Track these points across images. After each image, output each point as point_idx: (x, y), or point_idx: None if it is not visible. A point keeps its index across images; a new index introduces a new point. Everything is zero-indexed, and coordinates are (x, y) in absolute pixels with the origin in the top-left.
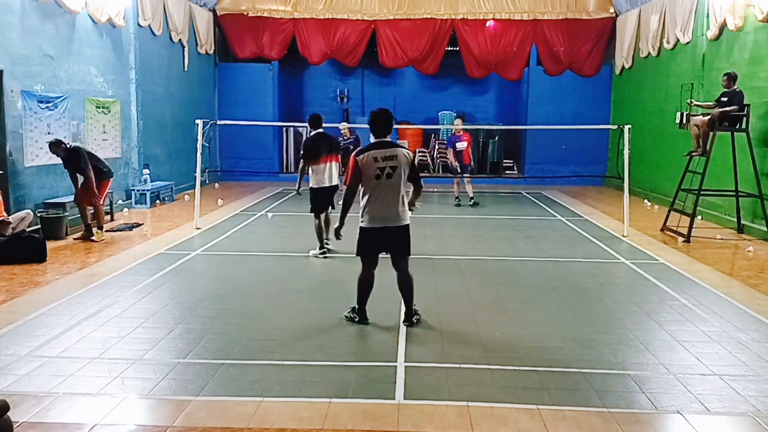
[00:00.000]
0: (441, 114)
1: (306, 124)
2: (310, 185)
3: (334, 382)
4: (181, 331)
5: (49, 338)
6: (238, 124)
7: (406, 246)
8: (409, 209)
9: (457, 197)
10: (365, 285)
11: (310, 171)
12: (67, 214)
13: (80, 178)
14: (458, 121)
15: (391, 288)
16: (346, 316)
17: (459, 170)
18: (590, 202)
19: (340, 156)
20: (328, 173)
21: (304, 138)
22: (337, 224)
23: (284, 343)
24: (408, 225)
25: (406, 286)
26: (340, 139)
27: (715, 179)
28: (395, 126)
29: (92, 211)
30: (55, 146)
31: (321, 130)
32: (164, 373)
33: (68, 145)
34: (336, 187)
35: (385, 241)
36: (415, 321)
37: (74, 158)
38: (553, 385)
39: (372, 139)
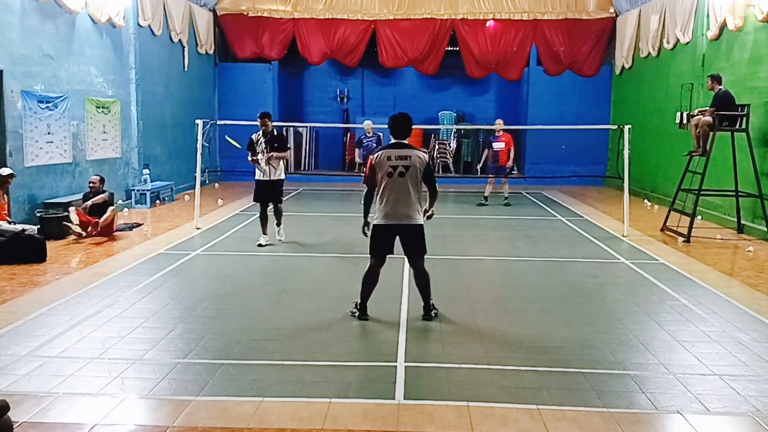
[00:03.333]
0: (441, 114)
1: (306, 125)
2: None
3: (334, 382)
4: (181, 331)
5: (49, 338)
6: (238, 124)
7: (421, 245)
8: (426, 217)
9: (485, 197)
10: (369, 281)
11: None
12: (67, 214)
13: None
14: (499, 122)
15: (391, 287)
16: (351, 312)
17: (496, 171)
18: (590, 202)
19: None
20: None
21: (304, 139)
22: (364, 220)
23: (284, 343)
24: (421, 225)
25: (422, 283)
26: (362, 136)
27: (715, 179)
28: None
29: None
30: (101, 182)
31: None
32: (164, 373)
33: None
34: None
35: (399, 238)
36: (433, 315)
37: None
38: (553, 385)
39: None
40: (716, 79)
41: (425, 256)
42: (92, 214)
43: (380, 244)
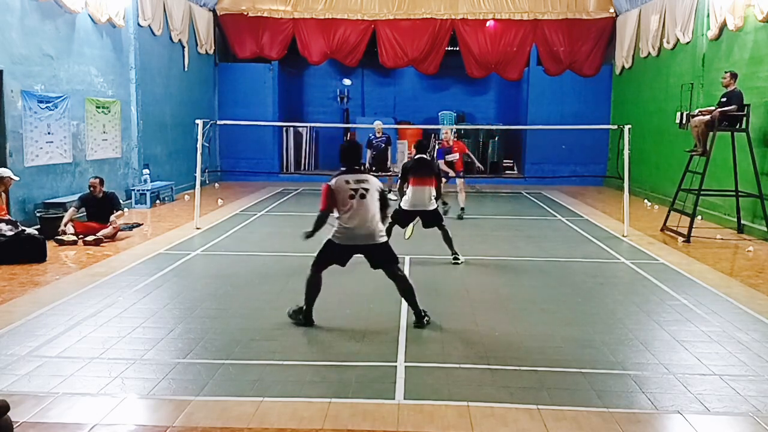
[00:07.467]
0: (441, 114)
1: (306, 125)
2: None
3: (334, 382)
4: (181, 331)
5: (49, 338)
6: (238, 124)
7: (389, 256)
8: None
9: (461, 208)
10: (314, 286)
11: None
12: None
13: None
14: (447, 130)
15: (391, 288)
16: (291, 313)
17: (455, 177)
18: (590, 202)
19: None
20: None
21: (304, 139)
22: (309, 231)
23: (284, 343)
24: (385, 242)
25: (406, 293)
26: (371, 136)
27: (715, 179)
28: (395, 126)
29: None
30: (101, 184)
31: (423, 155)
32: (164, 373)
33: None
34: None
35: (357, 255)
36: (425, 322)
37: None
38: (553, 385)
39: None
40: (735, 76)
41: (402, 260)
42: (91, 219)
43: (330, 259)
